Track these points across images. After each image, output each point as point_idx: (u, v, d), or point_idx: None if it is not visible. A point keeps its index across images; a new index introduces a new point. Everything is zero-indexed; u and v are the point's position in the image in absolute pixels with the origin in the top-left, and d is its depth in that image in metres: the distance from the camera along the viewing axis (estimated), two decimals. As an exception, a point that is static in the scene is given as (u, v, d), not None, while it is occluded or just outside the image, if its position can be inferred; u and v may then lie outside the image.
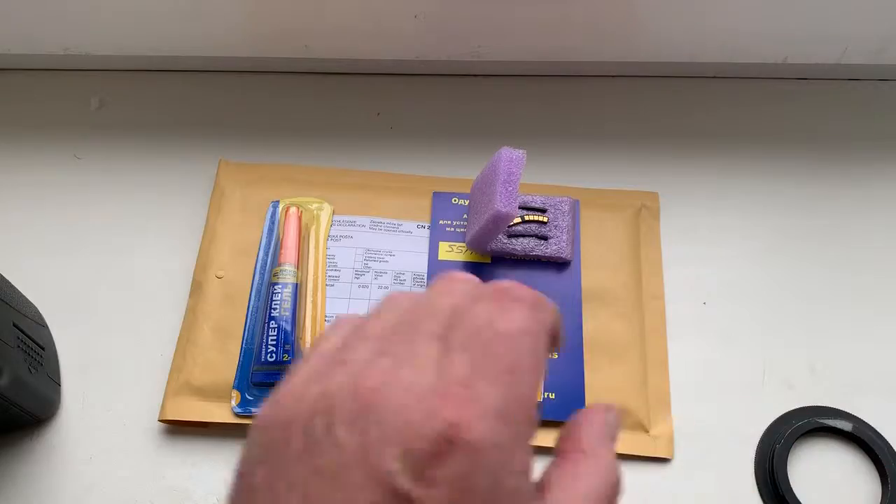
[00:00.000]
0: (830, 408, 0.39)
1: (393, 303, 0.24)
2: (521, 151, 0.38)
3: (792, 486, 0.37)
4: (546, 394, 0.38)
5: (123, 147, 0.47)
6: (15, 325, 0.35)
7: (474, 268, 0.41)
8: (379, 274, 0.41)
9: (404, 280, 0.41)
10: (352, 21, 0.45)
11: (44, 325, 0.39)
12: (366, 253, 0.42)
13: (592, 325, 0.40)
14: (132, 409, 0.38)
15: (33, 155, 0.46)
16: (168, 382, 0.38)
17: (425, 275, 0.41)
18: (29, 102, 0.48)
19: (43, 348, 0.38)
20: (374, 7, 0.44)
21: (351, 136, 0.47)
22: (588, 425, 0.23)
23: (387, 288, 0.41)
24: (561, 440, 0.23)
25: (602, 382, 0.39)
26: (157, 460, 0.37)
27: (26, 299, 0.38)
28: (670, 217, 0.44)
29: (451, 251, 0.42)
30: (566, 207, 0.42)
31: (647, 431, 0.38)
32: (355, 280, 0.41)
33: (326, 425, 0.19)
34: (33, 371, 0.36)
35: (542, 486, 0.21)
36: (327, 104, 0.49)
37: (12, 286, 0.37)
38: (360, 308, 0.40)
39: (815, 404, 0.39)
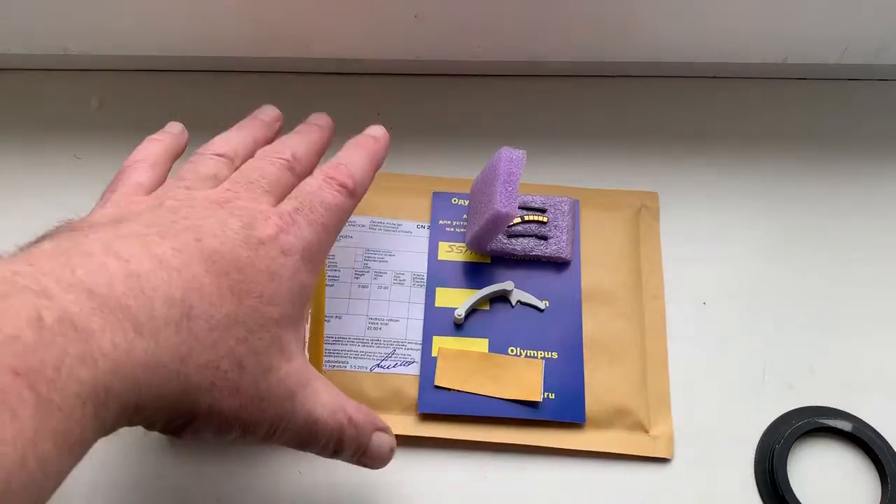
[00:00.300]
0: (830, 408, 0.39)
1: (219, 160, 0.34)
2: (520, 151, 0.38)
3: (792, 486, 0.37)
4: (546, 394, 0.38)
5: (123, 147, 0.46)
6: (15, 325, 0.35)
7: (474, 267, 0.41)
8: (378, 274, 0.41)
9: (404, 280, 0.41)
10: (352, 21, 0.45)
11: (44, 325, 0.39)
12: (366, 253, 0.42)
13: (592, 324, 0.40)
14: (132, 409, 0.38)
15: (33, 155, 0.46)
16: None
17: (425, 275, 0.41)
18: (29, 102, 0.48)
19: (43, 348, 0.38)
20: (374, 7, 0.44)
21: (351, 136, 0.47)
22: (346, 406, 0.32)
23: (387, 288, 0.41)
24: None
25: (601, 382, 0.39)
26: (157, 460, 0.37)
27: (26, 299, 0.38)
28: (670, 217, 0.44)
29: (451, 251, 0.42)
30: (566, 207, 0.42)
31: (646, 432, 0.38)
32: (355, 280, 0.41)
33: (183, 206, 0.29)
34: (33, 371, 0.35)
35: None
36: (327, 104, 0.48)
37: (12, 286, 0.37)
38: (361, 308, 0.40)
39: (815, 404, 0.39)
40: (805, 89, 0.49)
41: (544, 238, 0.41)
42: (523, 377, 0.38)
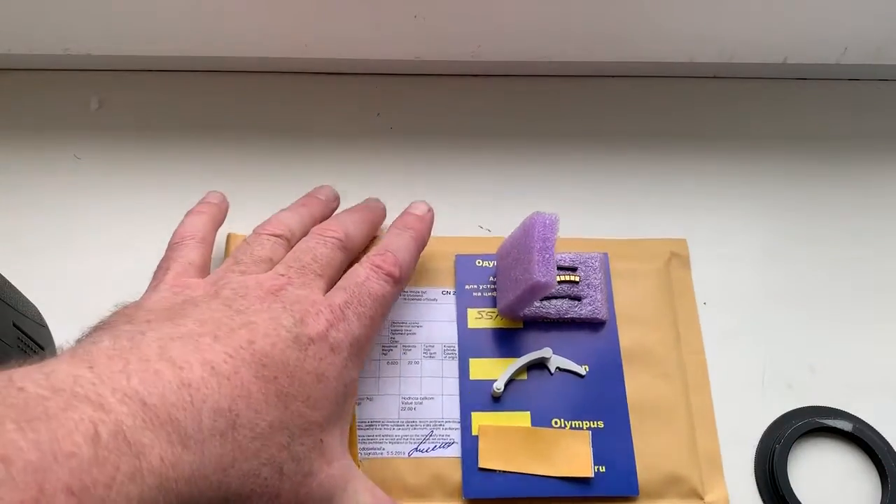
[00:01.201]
0: (830, 408, 0.39)
1: (271, 241, 0.35)
2: (553, 215, 0.36)
3: (792, 486, 0.37)
4: (596, 467, 0.36)
5: (123, 147, 0.47)
6: (15, 325, 0.35)
7: (507, 333, 0.39)
8: (407, 348, 0.39)
9: (434, 353, 0.39)
10: (352, 21, 0.45)
11: (44, 325, 0.39)
12: (391, 325, 0.40)
13: (635, 387, 0.38)
14: (132, 409, 0.38)
15: (33, 155, 0.46)
16: None
17: (456, 346, 0.39)
18: (29, 102, 0.48)
19: (43, 348, 0.38)
20: (374, 7, 0.44)
21: (351, 136, 0.47)
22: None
23: (417, 363, 0.39)
24: None
25: (650, 449, 0.37)
26: (157, 460, 0.37)
27: (26, 299, 0.38)
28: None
29: (481, 317, 0.40)
30: (597, 264, 0.40)
31: (701, 498, 0.37)
32: (383, 356, 0.39)
33: (236, 295, 0.30)
34: (33, 371, 0.35)
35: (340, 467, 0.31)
36: (327, 104, 0.49)
37: (12, 286, 0.37)
38: (393, 388, 0.38)
39: (815, 404, 0.39)
40: (805, 89, 0.49)
41: (577, 298, 0.40)
42: (571, 451, 0.36)
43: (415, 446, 0.37)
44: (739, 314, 0.42)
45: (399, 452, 0.37)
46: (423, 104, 0.48)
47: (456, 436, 0.37)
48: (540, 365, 0.38)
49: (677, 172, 0.46)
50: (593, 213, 0.44)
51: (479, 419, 0.37)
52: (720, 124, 0.48)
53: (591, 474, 0.36)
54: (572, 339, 0.39)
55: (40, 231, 0.44)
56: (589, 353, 0.39)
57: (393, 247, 0.35)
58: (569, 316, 0.39)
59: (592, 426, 0.37)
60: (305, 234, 0.35)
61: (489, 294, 0.41)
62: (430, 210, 0.38)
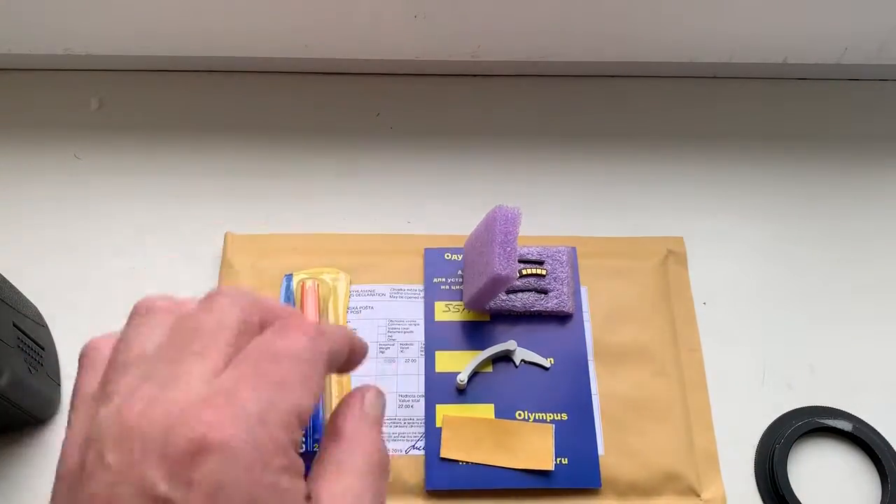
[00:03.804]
0: (830, 408, 0.39)
1: (152, 319, 0.23)
2: (516, 208, 0.36)
3: (792, 486, 0.37)
4: (559, 459, 0.36)
5: (123, 147, 0.47)
6: (15, 325, 0.35)
7: (473, 326, 0.39)
8: (405, 346, 0.39)
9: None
10: (352, 21, 0.45)
11: (44, 325, 0.39)
12: (389, 324, 0.40)
13: (630, 384, 0.38)
14: (132, 409, 0.38)
15: (33, 155, 0.46)
16: None
17: (422, 339, 0.39)
18: (29, 102, 0.48)
19: (43, 348, 0.38)
20: (374, 7, 0.44)
21: (351, 136, 0.47)
22: (346, 409, 0.23)
23: (415, 361, 0.39)
24: (325, 432, 0.23)
25: (649, 446, 0.37)
26: (157, 460, 0.37)
27: (26, 299, 0.38)
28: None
29: (448, 311, 0.40)
30: (564, 258, 0.41)
31: (698, 495, 0.37)
32: (380, 355, 0.39)
33: (97, 455, 0.20)
34: (33, 371, 0.36)
35: (309, 483, 0.21)
36: (327, 104, 0.49)
37: (12, 286, 0.37)
38: (390, 386, 0.38)
39: (815, 404, 0.39)
40: (805, 89, 0.49)
41: (544, 291, 0.40)
42: (534, 444, 0.36)
43: (412, 444, 0.37)
44: (739, 314, 0.42)
45: (398, 450, 0.37)
46: (423, 104, 0.48)
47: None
48: (505, 358, 0.38)
49: (677, 172, 0.46)
50: (593, 212, 0.44)
51: (444, 411, 0.37)
52: (720, 124, 0.48)
53: (551, 467, 0.36)
54: (538, 331, 0.39)
55: (40, 231, 0.44)
56: (555, 346, 0.39)
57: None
58: (535, 309, 0.39)
59: (556, 419, 0.37)
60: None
61: (457, 287, 0.41)
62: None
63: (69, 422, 0.22)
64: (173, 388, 0.20)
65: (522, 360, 0.38)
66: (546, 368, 0.38)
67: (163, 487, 0.19)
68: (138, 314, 0.23)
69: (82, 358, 0.24)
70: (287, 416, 0.21)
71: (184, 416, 0.20)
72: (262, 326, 0.23)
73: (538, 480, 0.36)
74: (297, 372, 0.21)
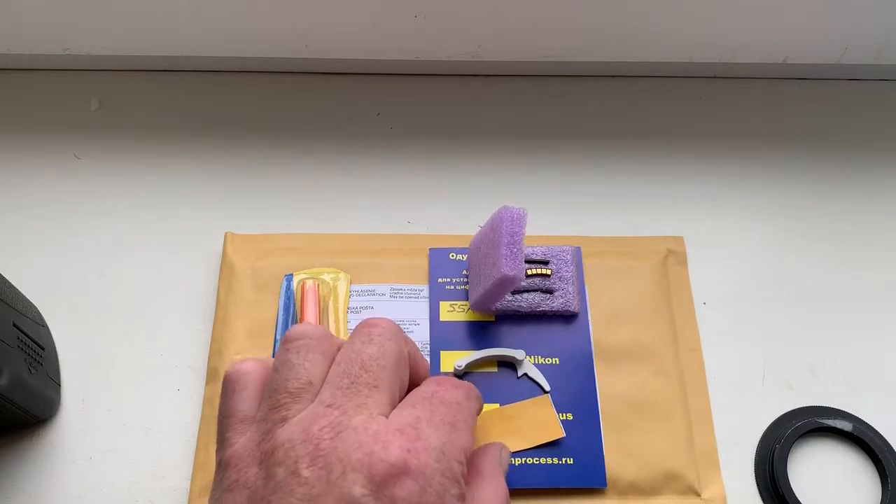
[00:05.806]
0: (830, 408, 0.39)
1: (309, 349, 0.27)
2: (521, 209, 0.36)
3: (792, 486, 0.37)
4: (564, 459, 0.36)
5: (123, 147, 0.47)
6: (15, 325, 0.35)
7: (479, 326, 0.39)
8: None
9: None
10: (352, 21, 0.45)
11: (44, 325, 0.39)
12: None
13: (631, 384, 0.38)
14: (132, 409, 0.38)
15: (33, 155, 0.46)
16: (192, 479, 0.36)
17: (428, 339, 0.39)
18: (29, 102, 0.48)
19: (43, 348, 0.38)
20: (374, 7, 0.44)
21: (351, 136, 0.47)
22: (484, 456, 0.29)
23: None
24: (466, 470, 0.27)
25: (649, 445, 0.37)
26: (157, 460, 0.37)
27: (26, 299, 0.38)
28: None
29: (453, 311, 0.40)
30: (568, 257, 0.41)
31: (698, 495, 0.37)
32: None
33: (289, 471, 0.23)
34: (33, 371, 0.36)
35: None
36: (327, 104, 0.49)
37: (12, 286, 0.37)
38: None
39: (815, 404, 0.39)
40: (805, 89, 0.49)
41: (549, 291, 0.40)
42: (537, 418, 0.36)
43: None
44: (739, 314, 0.42)
45: None
46: (423, 104, 0.48)
47: None
48: (511, 364, 0.39)
49: (677, 172, 0.46)
50: (593, 211, 0.44)
51: None
52: (720, 124, 0.48)
53: (562, 433, 0.36)
54: (544, 332, 0.39)
55: (40, 231, 0.44)
56: (561, 345, 0.39)
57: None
58: (541, 309, 0.39)
59: (562, 418, 0.37)
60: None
61: (462, 287, 0.41)
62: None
63: (225, 439, 0.26)
64: (357, 416, 0.24)
65: (525, 374, 0.38)
66: (546, 391, 0.38)
67: (368, 502, 0.22)
68: (292, 341, 0.27)
69: (230, 382, 0.28)
70: (459, 453, 0.25)
71: (381, 442, 0.23)
72: (411, 357, 0.29)
73: (545, 480, 0.36)
74: (461, 418, 0.27)
